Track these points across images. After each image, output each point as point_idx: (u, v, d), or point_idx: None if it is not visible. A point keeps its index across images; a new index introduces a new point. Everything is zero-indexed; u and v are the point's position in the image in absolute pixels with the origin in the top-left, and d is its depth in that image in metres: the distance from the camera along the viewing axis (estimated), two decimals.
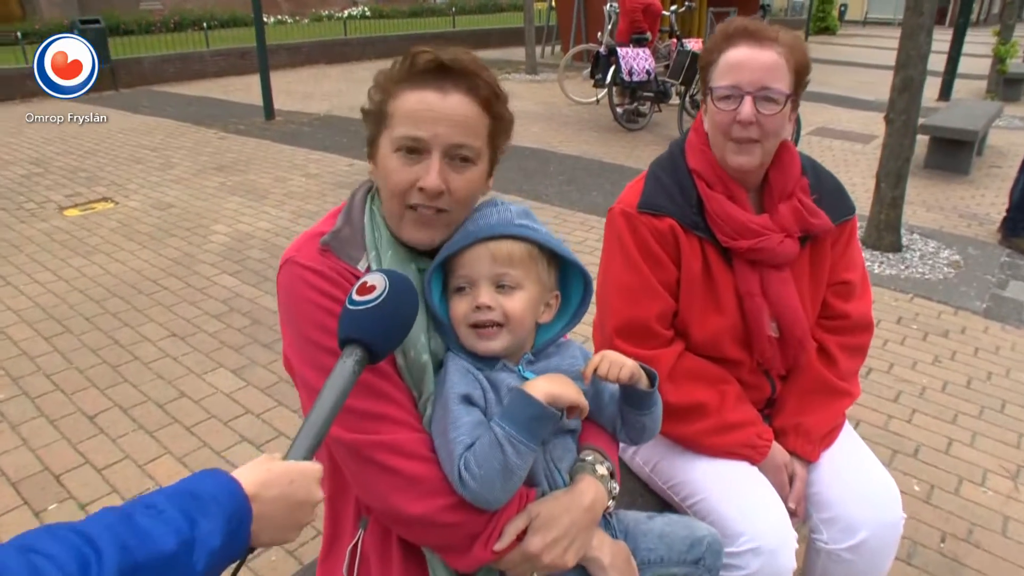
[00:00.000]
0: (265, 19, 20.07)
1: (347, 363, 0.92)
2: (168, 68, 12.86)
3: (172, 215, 5.51)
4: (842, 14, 30.69)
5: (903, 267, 4.65)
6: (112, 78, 11.77)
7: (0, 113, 9.90)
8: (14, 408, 3.05)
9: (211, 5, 20.58)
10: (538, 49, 14.56)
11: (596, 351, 1.72)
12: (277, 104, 9.34)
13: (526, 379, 1.14)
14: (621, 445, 1.81)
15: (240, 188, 6.18)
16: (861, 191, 5.92)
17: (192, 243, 4.92)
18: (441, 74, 1.10)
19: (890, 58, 4.73)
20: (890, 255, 4.80)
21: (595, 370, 1.18)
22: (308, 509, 0.84)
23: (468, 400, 1.11)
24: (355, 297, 0.96)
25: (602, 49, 8.66)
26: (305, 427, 0.87)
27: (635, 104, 8.84)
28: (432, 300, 1.17)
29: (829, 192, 1.66)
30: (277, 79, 10.42)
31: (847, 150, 7.98)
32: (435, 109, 1.08)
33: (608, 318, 1.64)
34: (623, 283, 1.61)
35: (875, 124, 9.14)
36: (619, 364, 1.18)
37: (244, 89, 11.40)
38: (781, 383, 1.71)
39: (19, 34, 12.15)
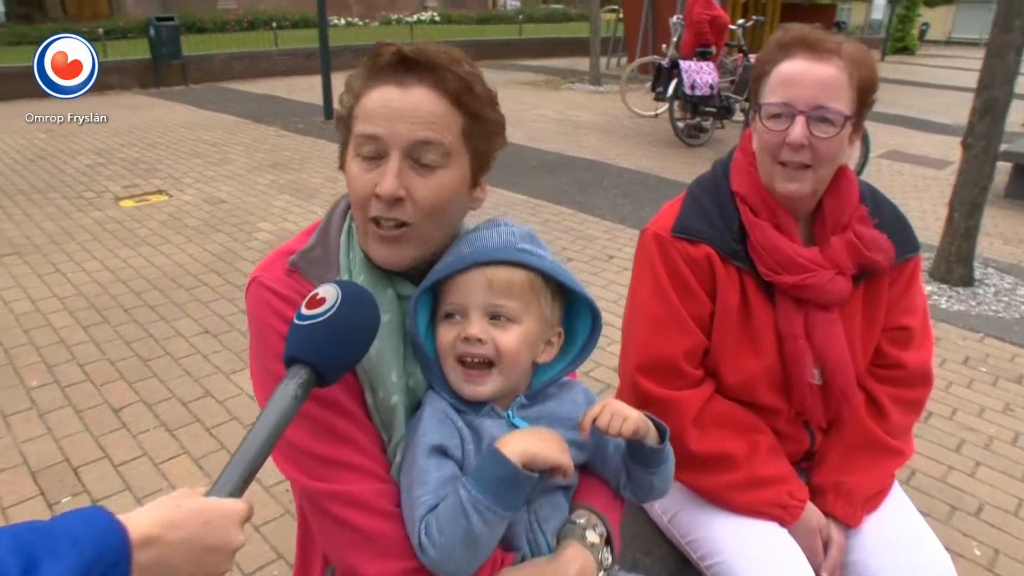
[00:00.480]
0: (335, 21, 20.60)
1: (288, 387, 0.79)
2: (237, 65, 13.18)
3: (221, 210, 5.56)
4: (923, 33, 29.54)
5: (974, 303, 4.33)
6: (183, 74, 12.13)
7: (74, 104, 10.24)
8: (45, 395, 3.07)
9: (284, 6, 21.12)
10: (603, 60, 14.39)
11: (620, 388, 1.58)
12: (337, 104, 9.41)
13: (516, 427, 1.01)
14: None
15: (291, 186, 6.21)
16: (931, 219, 5.56)
17: (237, 239, 4.94)
18: (404, 68, 0.96)
19: (972, 80, 4.42)
20: (960, 289, 4.48)
21: (594, 420, 1.03)
22: (224, 556, 0.72)
23: (441, 452, 0.97)
24: (303, 311, 0.84)
25: (664, 61, 8.45)
26: (233, 460, 0.75)
27: (697, 119, 8.60)
28: (417, 330, 1.03)
29: (891, 226, 1.47)
30: (340, 80, 10.52)
31: (919, 175, 7.57)
32: (394, 105, 0.95)
33: (631, 352, 1.49)
34: (650, 314, 1.46)
35: (951, 149, 8.65)
36: (622, 416, 1.02)
37: (308, 89, 11.56)
38: (822, 436, 1.53)
39: (102, 31, 12.62)
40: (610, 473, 1.15)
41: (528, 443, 0.92)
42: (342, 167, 1.05)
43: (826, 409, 1.47)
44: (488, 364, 1.01)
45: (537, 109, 10.76)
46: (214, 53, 13.01)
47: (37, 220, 5.24)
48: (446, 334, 1.02)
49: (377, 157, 0.97)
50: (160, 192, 6.01)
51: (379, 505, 0.97)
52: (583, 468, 1.14)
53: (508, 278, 1.01)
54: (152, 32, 11.69)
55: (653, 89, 8.81)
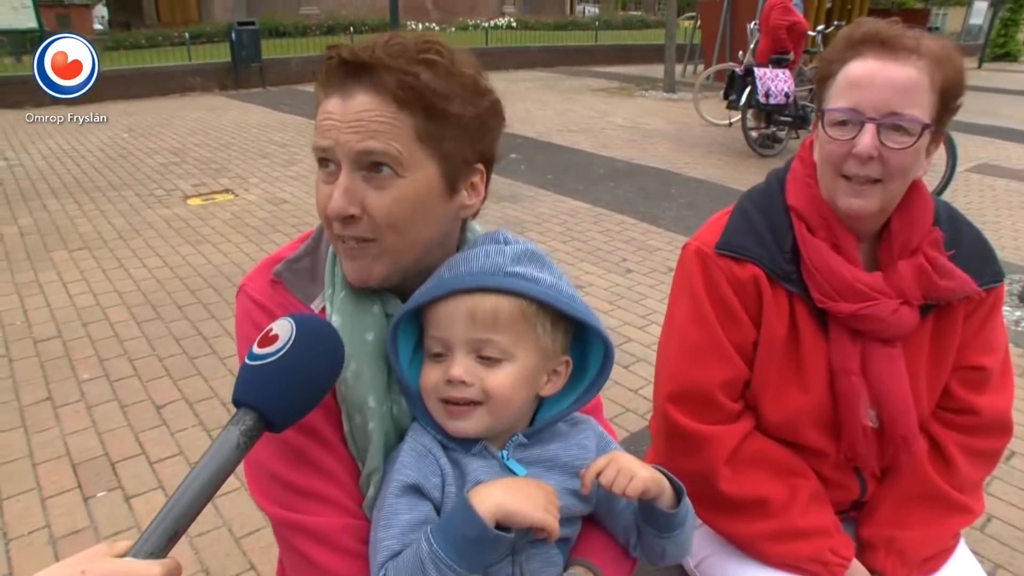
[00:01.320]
0: (412, 26, 20.90)
1: (231, 433, 0.71)
2: (313, 69, 13.45)
3: (283, 210, 5.63)
4: None
5: None
6: (261, 76, 12.52)
7: (157, 105, 10.73)
8: (95, 389, 3.13)
9: (364, 12, 21.58)
10: (679, 68, 14.10)
11: (652, 417, 1.44)
12: None
13: (509, 470, 0.89)
14: None
15: None
16: None
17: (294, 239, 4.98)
18: (346, 73, 0.86)
19: None
20: None
21: (598, 475, 0.89)
22: None
23: (416, 491, 0.87)
24: (255, 350, 0.76)
25: (738, 69, 8.15)
26: (159, 514, 0.67)
27: (771, 129, 8.25)
28: (398, 361, 0.92)
29: (970, 251, 1.28)
30: None
31: (1013, 191, 7.03)
32: (337, 115, 0.86)
33: (663, 379, 1.34)
34: (686, 338, 1.31)
35: None
36: (629, 474, 0.88)
37: None
38: (875, 483, 1.35)
39: (187, 35, 13.17)
40: (619, 529, 1.01)
41: (505, 497, 0.80)
42: None
43: (881, 455, 1.29)
44: (475, 404, 0.89)
45: (608, 116, 10.59)
46: (291, 57, 13.38)
47: (109, 216, 5.43)
48: (429, 374, 0.91)
49: (334, 171, 0.88)
50: (227, 191, 6.16)
51: (343, 542, 0.88)
52: (588, 518, 1.02)
53: (494, 308, 0.88)
54: (233, 36, 12.10)
55: (725, 97, 8.52)
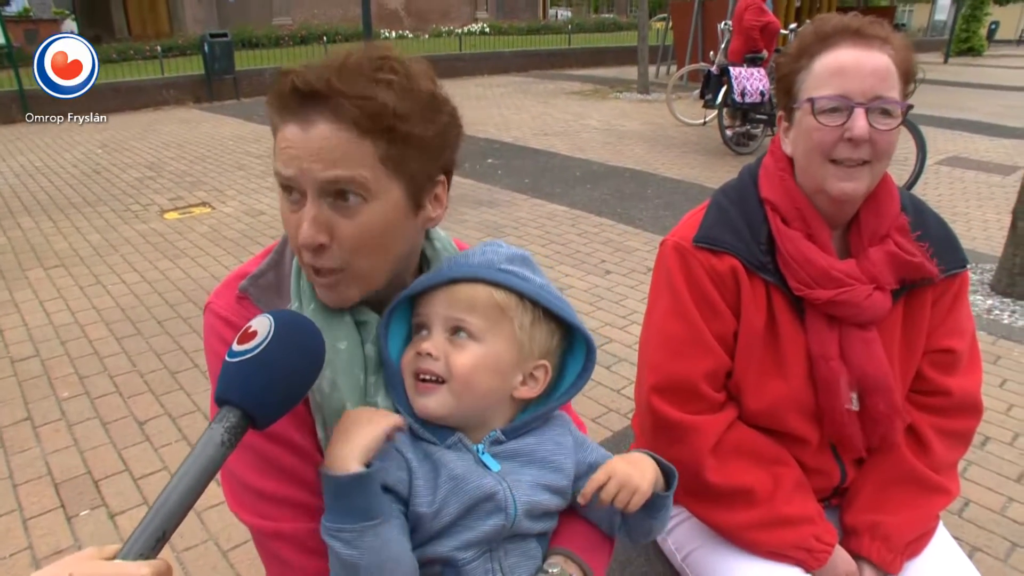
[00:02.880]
0: (386, 34, 20.87)
1: (215, 432, 0.71)
2: None
3: (261, 222, 5.60)
4: (992, 32, 28.40)
5: None
6: (235, 88, 12.43)
7: (130, 120, 10.62)
8: (75, 407, 3.09)
9: (337, 21, 21.53)
10: (652, 69, 14.20)
11: (636, 411, 1.46)
12: None
13: (484, 464, 0.91)
14: None
15: None
16: (995, 228, 5.25)
17: None
18: (302, 101, 0.84)
19: None
20: None
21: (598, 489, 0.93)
22: None
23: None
24: (234, 347, 0.76)
25: (713, 68, 8.24)
26: (147, 515, 0.67)
27: (746, 127, 8.35)
28: (387, 348, 0.95)
29: (935, 238, 1.32)
30: None
31: (982, 182, 7.17)
32: (297, 144, 0.84)
33: (647, 373, 1.37)
34: (668, 332, 1.34)
35: (1019, 154, 8.24)
36: (632, 489, 0.92)
37: None
38: (854, 469, 1.39)
39: (159, 48, 13.06)
40: (600, 516, 1.04)
41: (351, 444, 0.83)
42: None
43: (866, 437, 1.32)
44: (440, 381, 0.92)
45: (583, 119, 10.65)
46: (265, 68, 13.29)
47: (85, 232, 5.37)
48: (408, 352, 0.96)
49: (300, 198, 0.87)
50: (204, 204, 6.11)
51: (320, 545, 0.88)
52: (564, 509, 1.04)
53: (472, 294, 0.93)
54: (206, 48, 12.02)
55: (701, 96, 8.62)
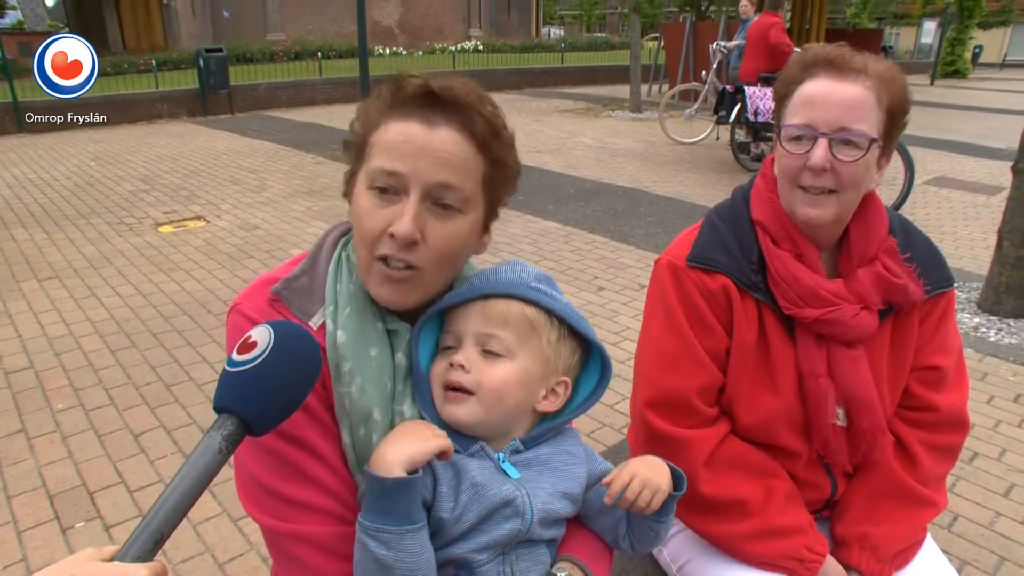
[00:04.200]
0: (380, 51, 20.99)
1: (213, 439, 0.73)
2: (281, 95, 13.51)
3: (255, 236, 5.62)
4: (976, 56, 28.88)
5: None
6: (229, 102, 12.48)
7: (124, 132, 10.64)
8: (69, 419, 3.09)
9: (331, 36, 21.66)
10: (644, 88, 14.36)
11: (631, 425, 1.49)
12: None
13: (504, 472, 0.95)
14: None
15: (325, 213, 6.26)
16: (981, 247, 5.34)
17: (268, 265, 4.97)
18: (430, 104, 0.91)
19: None
20: (1011, 322, 4.25)
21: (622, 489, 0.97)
22: None
23: None
24: (234, 356, 0.78)
25: (728, 86, 8.36)
26: (145, 518, 0.68)
27: (761, 146, 8.41)
28: (418, 357, 0.99)
29: (922, 258, 1.36)
30: None
31: (968, 202, 7.29)
32: (418, 141, 0.90)
33: (641, 388, 1.40)
34: (662, 348, 1.37)
35: (1004, 175, 8.35)
36: (654, 488, 0.97)
37: (348, 116, 11.71)
38: (845, 481, 1.42)
39: (154, 62, 13.10)
40: (606, 526, 1.08)
41: (399, 448, 0.85)
42: (347, 195, 1.00)
43: (852, 452, 1.36)
44: (469, 393, 0.96)
45: (576, 137, 10.74)
46: (259, 83, 13.36)
47: (79, 245, 5.37)
48: (438, 364, 1.00)
49: (394, 193, 0.92)
50: (198, 218, 6.13)
51: (338, 548, 0.91)
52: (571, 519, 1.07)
53: (505, 309, 0.98)
54: (201, 63, 12.07)
55: (715, 112, 8.75)
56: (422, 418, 0.99)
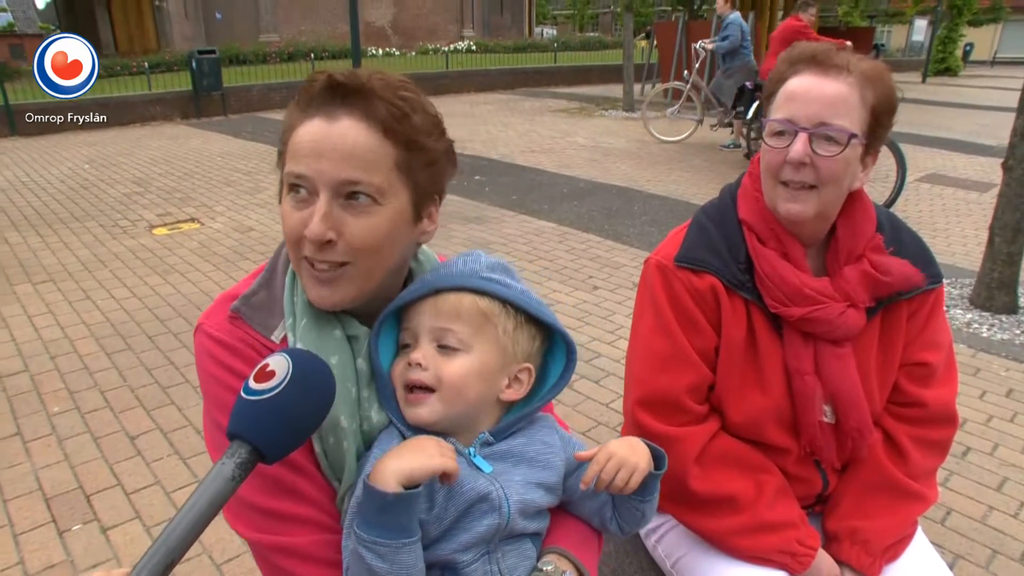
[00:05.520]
0: (373, 52, 20.95)
1: (226, 466, 0.73)
2: (274, 96, 13.49)
3: (250, 238, 5.63)
4: (967, 53, 29.01)
5: (1018, 331, 4.14)
6: (222, 104, 12.46)
7: (118, 135, 10.61)
8: (65, 422, 3.09)
9: (324, 38, 21.62)
10: (637, 87, 14.39)
11: (624, 424, 1.50)
12: None
13: (476, 466, 0.95)
14: (643, 531, 1.58)
15: None
16: (973, 244, 5.38)
17: None
18: (334, 97, 0.89)
19: (1017, 100, 4.26)
20: (1003, 317, 4.28)
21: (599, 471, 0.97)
22: None
23: None
24: (251, 384, 0.77)
25: (748, 83, 8.41)
26: (156, 542, 0.68)
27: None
28: (379, 360, 0.99)
29: (910, 254, 1.37)
30: None
31: (960, 199, 7.33)
32: (319, 140, 0.88)
33: (632, 387, 1.41)
34: (651, 347, 1.39)
35: (995, 171, 8.40)
36: (631, 468, 0.97)
37: None
38: (836, 477, 1.44)
39: (147, 64, 13.07)
40: (590, 510, 1.08)
41: (399, 463, 0.85)
42: (280, 201, 0.99)
43: (839, 449, 1.38)
44: (429, 390, 0.96)
45: (569, 136, 10.76)
46: (253, 84, 13.35)
47: (73, 248, 5.37)
48: (397, 364, 0.99)
49: (307, 195, 0.90)
50: (192, 220, 6.13)
51: (323, 555, 0.92)
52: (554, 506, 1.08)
53: (457, 302, 0.97)
54: (194, 65, 12.05)
55: (733, 108, 8.80)
56: (390, 422, 0.99)
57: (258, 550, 0.95)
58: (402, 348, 1.00)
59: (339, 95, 0.89)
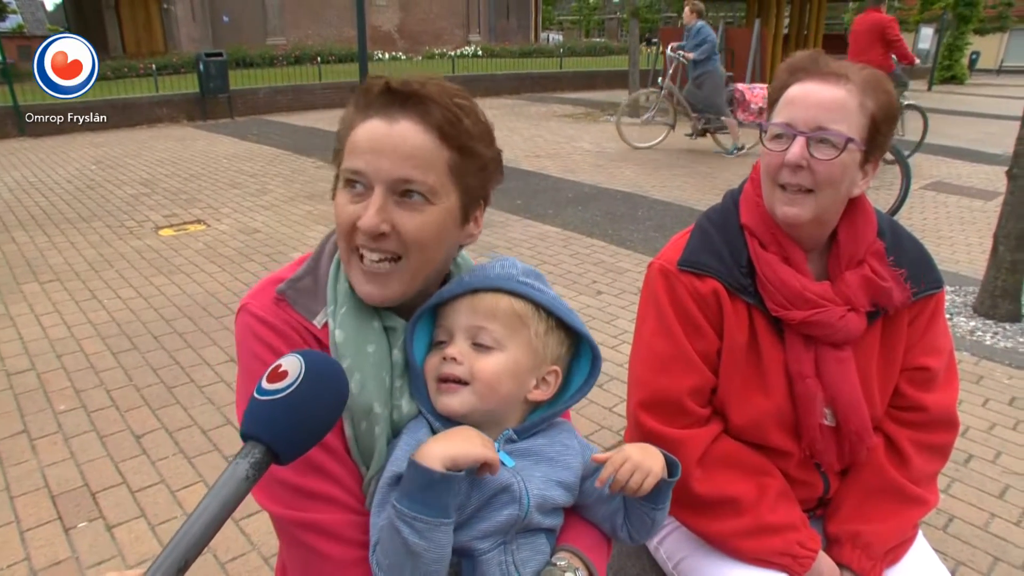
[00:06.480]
0: (380, 56, 21.03)
1: (240, 466, 0.73)
2: (281, 99, 13.56)
3: (256, 240, 5.65)
4: (973, 62, 29.00)
5: (1021, 339, 4.13)
6: (229, 107, 12.52)
7: (125, 136, 10.67)
8: (71, 420, 3.12)
9: (331, 41, 21.71)
10: (642, 92, 14.41)
11: (627, 425, 1.52)
12: None
13: (500, 461, 0.98)
14: None
15: (326, 217, 6.29)
16: (977, 252, 5.38)
17: (269, 268, 5.00)
18: (391, 101, 0.95)
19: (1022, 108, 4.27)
20: (1007, 325, 4.28)
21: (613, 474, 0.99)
22: None
23: None
24: (264, 385, 0.78)
25: (731, 87, 8.46)
26: (171, 542, 0.68)
27: None
28: (413, 354, 1.02)
29: (911, 260, 1.39)
30: None
31: (964, 207, 7.33)
32: (378, 139, 0.93)
33: (635, 389, 1.43)
34: (654, 350, 1.40)
35: (1000, 180, 8.41)
36: (645, 471, 0.99)
37: None
38: (837, 480, 1.45)
39: (154, 66, 13.14)
40: (602, 516, 1.11)
41: (446, 446, 0.88)
42: (333, 197, 1.04)
43: (839, 452, 1.39)
44: (463, 383, 1.00)
45: (574, 141, 10.79)
46: (259, 87, 13.42)
47: (80, 248, 5.40)
48: (432, 359, 1.03)
49: (364, 189, 0.95)
50: (198, 222, 6.16)
51: (349, 535, 0.95)
52: (567, 509, 1.10)
53: (494, 303, 1.01)
54: (201, 67, 12.12)
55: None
56: (419, 412, 1.02)
57: (283, 525, 0.97)
58: (436, 344, 1.04)
59: (398, 99, 0.94)
